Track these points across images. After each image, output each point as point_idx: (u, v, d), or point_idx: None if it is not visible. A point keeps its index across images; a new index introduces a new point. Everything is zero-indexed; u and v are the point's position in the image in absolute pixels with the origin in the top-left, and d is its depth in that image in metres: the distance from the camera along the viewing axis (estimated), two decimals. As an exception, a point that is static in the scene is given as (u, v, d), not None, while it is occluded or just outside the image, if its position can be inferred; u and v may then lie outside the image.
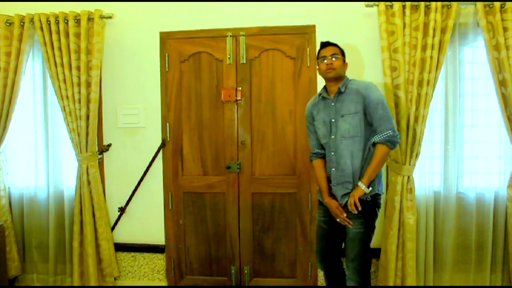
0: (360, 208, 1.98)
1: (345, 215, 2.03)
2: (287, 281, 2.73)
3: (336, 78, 2.07)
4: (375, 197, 2.06)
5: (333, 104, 2.09)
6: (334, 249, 2.22)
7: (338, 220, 2.07)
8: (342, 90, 2.06)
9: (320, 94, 2.17)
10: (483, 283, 2.54)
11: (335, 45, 2.12)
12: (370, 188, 2.00)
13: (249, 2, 2.63)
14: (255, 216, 2.73)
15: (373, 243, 2.60)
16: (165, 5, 2.69)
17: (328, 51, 2.08)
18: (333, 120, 2.08)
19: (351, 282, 2.08)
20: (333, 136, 2.08)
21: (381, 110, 1.99)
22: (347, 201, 2.02)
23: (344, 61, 2.11)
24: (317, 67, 2.17)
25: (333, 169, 2.09)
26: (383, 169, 2.59)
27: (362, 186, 1.98)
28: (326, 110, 2.12)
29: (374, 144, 2.02)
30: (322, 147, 2.19)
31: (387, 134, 1.98)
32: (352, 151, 2.03)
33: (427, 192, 2.56)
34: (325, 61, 2.07)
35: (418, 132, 2.39)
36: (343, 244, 2.16)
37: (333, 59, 2.05)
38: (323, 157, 2.19)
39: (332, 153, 2.09)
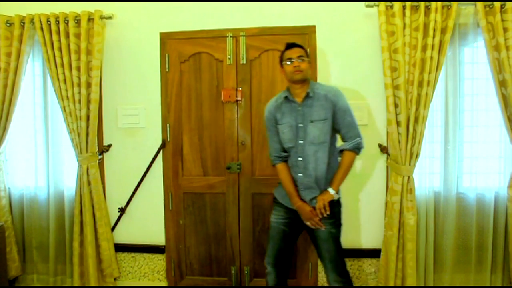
0: (329, 212, 2.00)
1: (318, 218, 2.02)
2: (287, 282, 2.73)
3: (303, 80, 2.03)
4: (339, 200, 2.11)
5: (299, 108, 2.05)
6: (289, 253, 2.19)
7: (308, 223, 2.05)
8: (311, 94, 2.03)
9: (284, 97, 2.09)
10: (484, 284, 2.54)
11: (301, 46, 2.07)
12: (339, 195, 2.05)
13: (249, 2, 2.63)
14: (255, 216, 2.73)
15: (374, 244, 2.64)
16: (165, 6, 2.70)
17: (294, 53, 2.03)
18: (300, 124, 2.04)
19: (335, 284, 2.06)
20: (301, 141, 2.04)
21: (349, 117, 2.03)
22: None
23: (309, 62, 2.07)
24: (282, 69, 2.10)
25: (300, 174, 2.06)
26: (384, 169, 2.60)
27: (332, 192, 2.02)
28: (292, 114, 2.06)
29: (341, 151, 2.06)
30: (284, 150, 2.14)
31: (356, 141, 2.03)
32: (319, 156, 2.02)
33: (427, 193, 2.56)
34: (289, 63, 2.02)
35: (418, 133, 2.39)
36: (317, 247, 2.12)
37: (300, 61, 2.00)
38: (286, 160, 2.15)
39: (300, 158, 2.05)
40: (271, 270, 2.16)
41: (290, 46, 2.07)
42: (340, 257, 2.08)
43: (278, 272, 2.16)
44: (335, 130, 2.06)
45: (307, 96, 2.04)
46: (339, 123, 2.03)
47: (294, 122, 2.06)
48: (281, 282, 2.17)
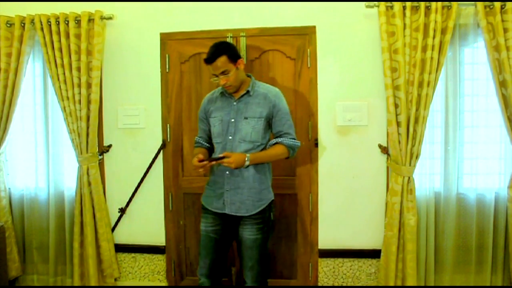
0: (223, 159, 1.86)
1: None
2: (287, 282, 2.73)
3: (238, 88, 2.00)
4: (270, 204, 2.04)
5: (235, 103, 2.02)
6: (223, 262, 2.11)
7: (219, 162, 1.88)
8: (251, 93, 2.01)
9: (221, 92, 2.07)
10: (484, 284, 2.54)
11: (222, 53, 1.89)
12: (248, 163, 1.90)
13: (249, 2, 2.63)
14: (256, 217, 2.72)
15: (374, 244, 2.62)
16: (166, 6, 2.69)
17: (216, 69, 1.91)
18: (232, 120, 2.00)
19: None
20: (230, 137, 1.99)
21: (289, 120, 2.04)
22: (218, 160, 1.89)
23: (236, 67, 1.94)
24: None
25: (227, 172, 1.98)
26: (384, 170, 2.60)
27: (247, 158, 1.89)
28: (226, 109, 2.03)
29: (275, 144, 2.01)
30: (208, 142, 2.15)
31: (297, 143, 2.03)
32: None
33: (428, 193, 2.55)
34: (216, 79, 1.95)
35: (418, 133, 2.39)
36: (240, 253, 2.05)
37: (225, 76, 1.92)
38: (207, 149, 2.15)
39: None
40: (205, 281, 2.05)
41: (209, 61, 1.91)
42: (262, 268, 2.01)
43: (213, 283, 2.06)
44: (268, 131, 2.04)
45: (247, 93, 2.02)
46: (278, 125, 2.01)
47: (226, 117, 2.01)
48: None
